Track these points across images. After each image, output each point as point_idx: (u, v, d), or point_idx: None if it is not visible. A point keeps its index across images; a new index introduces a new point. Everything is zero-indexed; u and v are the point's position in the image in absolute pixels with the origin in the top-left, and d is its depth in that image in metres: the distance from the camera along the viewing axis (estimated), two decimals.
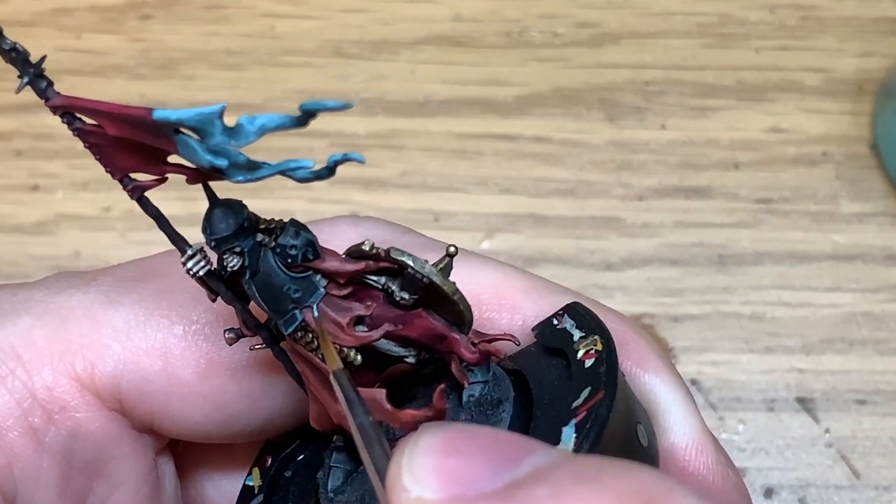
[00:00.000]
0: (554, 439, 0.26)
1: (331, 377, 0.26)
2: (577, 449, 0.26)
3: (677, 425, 0.30)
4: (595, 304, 0.31)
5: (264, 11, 0.64)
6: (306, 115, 0.23)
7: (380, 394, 0.27)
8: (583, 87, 0.63)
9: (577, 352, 0.29)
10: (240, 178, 0.25)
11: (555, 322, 0.31)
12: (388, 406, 0.27)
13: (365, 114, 0.61)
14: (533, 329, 0.31)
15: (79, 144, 0.70)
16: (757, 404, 0.54)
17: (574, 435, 0.26)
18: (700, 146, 0.61)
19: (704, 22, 0.65)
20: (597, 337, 0.29)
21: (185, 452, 0.34)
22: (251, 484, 0.32)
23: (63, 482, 0.30)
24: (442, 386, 0.27)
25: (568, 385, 0.28)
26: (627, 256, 0.58)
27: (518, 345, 0.30)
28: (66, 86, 0.72)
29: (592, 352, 0.28)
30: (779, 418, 0.54)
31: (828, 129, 0.61)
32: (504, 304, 0.32)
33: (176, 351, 0.31)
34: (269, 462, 0.33)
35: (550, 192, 0.60)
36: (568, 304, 0.31)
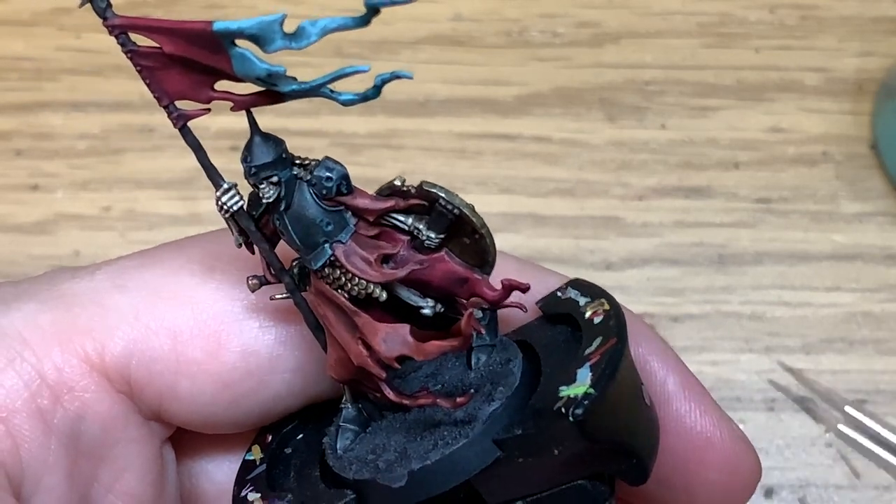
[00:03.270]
0: (568, 380, 0.27)
1: None
2: (594, 386, 0.26)
3: (677, 392, 0.31)
4: None
5: (264, 11, 0.64)
6: (370, 12, 0.23)
7: (403, 328, 0.28)
8: (583, 86, 0.63)
9: (584, 313, 0.29)
10: (294, 87, 0.25)
11: (559, 294, 0.31)
12: (411, 339, 0.28)
13: (365, 114, 0.61)
14: (537, 302, 0.31)
15: (79, 144, 0.70)
16: (757, 404, 0.54)
17: (590, 373, 0.27)
18: (700, 146, 0.61)
19: (704, 22, 0.65)
20: (603, 300, 0.29)
21: (184, 444, 0.34)
22: (252, 458, 0.32)
23: (70, 466, 0.30)
24: (469, 311, 0.28)
25: (576, 345, 0.28)
26: (627, 256, 0.58)
27: (525, 311, 0.31)
28: (66, 85, 0.72)
29: (600, 311, 0.29)
30: (779, 418, 0.54)
31: (828, 128, 0.61)
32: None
33: (184, 330, 0.31)
34: (270, 439, 0.33)
35: (550, 191, 0.60)
36: (571, 280, 0.32)
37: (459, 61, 0.64)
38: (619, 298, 0.60)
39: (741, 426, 0.56)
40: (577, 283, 0.31)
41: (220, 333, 0.31)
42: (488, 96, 0.62)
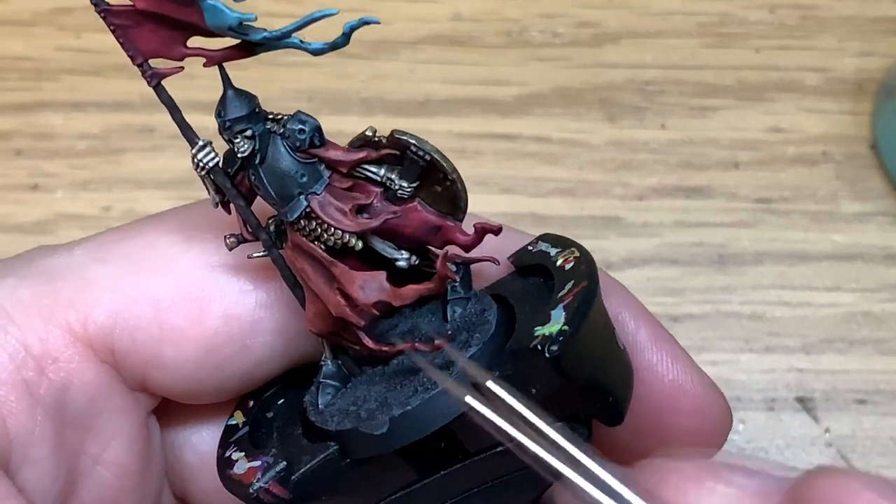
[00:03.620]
0: (542, 321, 0.27)
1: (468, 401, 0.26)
2: (568, 324, 0.27)
3: (649, 342, 0.32)
4: None
5: (264, 11, 0.64)
6: None
7: (380, 275, 0.29)
8: (583, 86, 0.63)
9: (555, 262, 0.30)
10: (265, 34, 0.26)
11: (530, 248, 0.32)
12: (388, 285, 0.29)
13: (365, 113, 0.61)
14: (509, 257, 0.32)
15: (79, 144, 0.70)
16: (757, 404, 0.54)
17: (564, 313, 0.27)
18: (700, 146, 0.61)
19: (704, 22, 0.65)
20: (573, 248, 0.30)
21: (168, 416, 0.34)
22: (234, 422, 0.33)
23: (56, 437, 0.30)
24: (445, 251, 0.29)
25: (549, 293, 0.29)
26: (627, 256, 0.58)
27: (497, 265, 0.31)
28: (66, 85, 0.72)
29: (571, 258, 0.30)
30: (778, 418, 0.54)
31: (828, 128, 0.61)
32: None
33: (166, 298, 0.31)
34: (251, 404, 0.33)
35: (550, 191, 0.60)
36: (541, 234, 0.32)
37: (459, 61, 0.64)
38: None
39: (741, 426, 0.56)
40: (546, 237, 0.32)
41: (202, 300, 0.31)
42: (488, 96, 0.62)
